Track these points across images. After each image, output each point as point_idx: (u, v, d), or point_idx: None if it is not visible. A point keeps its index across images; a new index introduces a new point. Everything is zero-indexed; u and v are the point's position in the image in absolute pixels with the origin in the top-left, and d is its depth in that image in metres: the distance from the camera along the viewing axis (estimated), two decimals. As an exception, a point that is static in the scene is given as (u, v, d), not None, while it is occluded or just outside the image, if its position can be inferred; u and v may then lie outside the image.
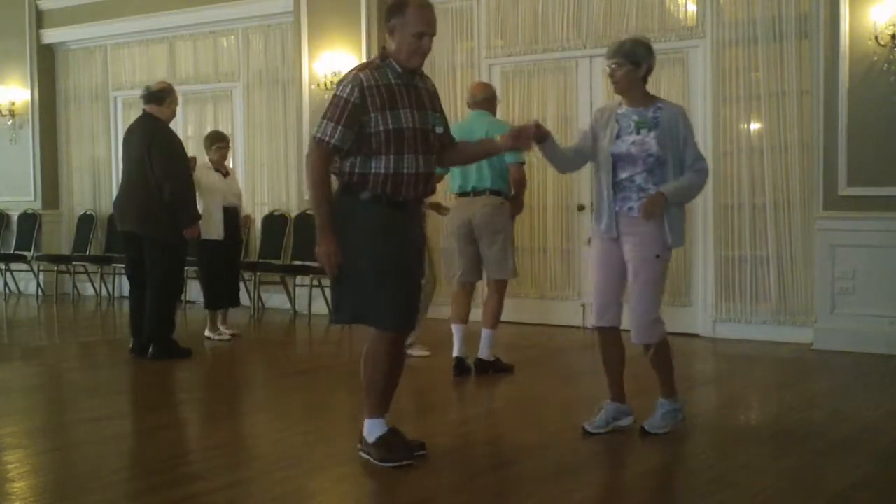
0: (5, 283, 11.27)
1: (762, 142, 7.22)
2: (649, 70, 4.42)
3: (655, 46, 7.83)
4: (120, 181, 7.19)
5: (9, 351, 7.82)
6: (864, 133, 6.61)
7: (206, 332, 7.70)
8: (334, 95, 3.93)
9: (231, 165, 9.82)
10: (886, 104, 6.55)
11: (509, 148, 4.38)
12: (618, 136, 4.38)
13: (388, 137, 3.87)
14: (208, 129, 9.63)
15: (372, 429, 4.05)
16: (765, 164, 7.19)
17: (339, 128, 3.86)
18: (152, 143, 6.64)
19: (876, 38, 6.52)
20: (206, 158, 7.85)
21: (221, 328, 7.83)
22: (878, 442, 4.45)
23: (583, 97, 8.01)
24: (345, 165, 3.95)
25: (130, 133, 6.94)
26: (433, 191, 4.13)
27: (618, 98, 4.51)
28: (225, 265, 7.80)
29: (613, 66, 4.37)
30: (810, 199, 7.00)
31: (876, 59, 6.56)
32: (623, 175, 4.37)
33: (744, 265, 7.30)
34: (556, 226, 8.16)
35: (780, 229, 7.13)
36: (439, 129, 4.08)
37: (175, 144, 6.84)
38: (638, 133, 4.35)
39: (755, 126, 7.29)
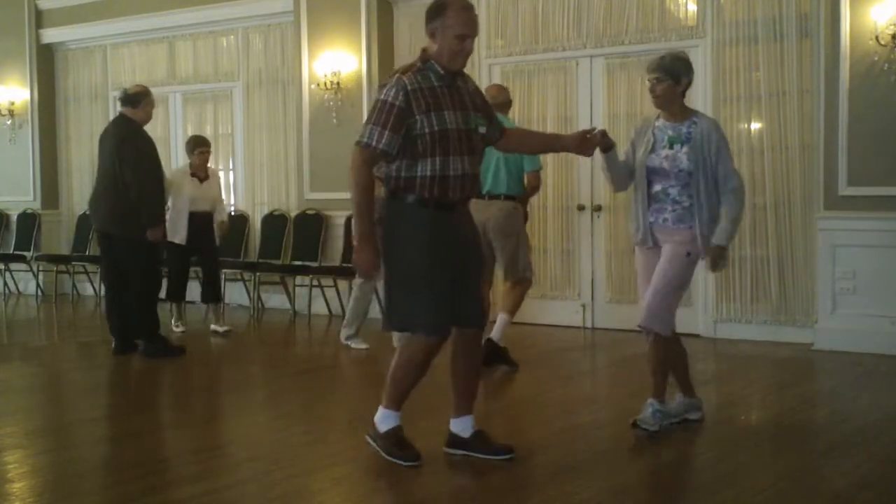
0: (5, 283, 11.25)
1: (762, 141, 7.21)
2: (688, 84, 4.49)
3: (655, 46, 7.89)
4: (94, 182, 7.22)
5: (9, 351, 7.82)
6: (865, 133, 6.60)
7: (212, 326, 7.94)
8: (377, 100, 3.92)
9: (231, 166, 9.87)
10: (887, 104, 6.54)
11: (573, 151, 4.44)
12: (652, 150, 4.45)
13: (433, 139, 3.86)
14: (208, 128, 9.65)
15: (385, 419, 4.07)
16: (765, 164, 7.18)
17: (387, 132, 3.84)
18: (123, 144, 6.69)
19: (876, 37, 6.51)
20: (188, 162, 7.90)
21: (215, 326, 7.96)
22: (878, 442, 4.45)
23: (583, 97, 8.00)
24: (390, 170, 3.94)
25: (104, 134, 7.02)
26: (478, 191, 4.13)
27: (657, 111, 4.58)
28: (198, 267, 8.02)
29: (654, 80, 4.44)
30: (811, 198, 6.99)
31: (876, 58, 6.55)
32: (657, 187, 4.45)
33: (744, 265, 7.29)
34: (556, 226, 8.15)
35: (781, 229, 7.13)
36: (482, 129, 4.08)
37: (145, 146, 6.85)
38: (671, 148, 4.41)
39: (755, 126, 7.28)
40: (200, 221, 7.80)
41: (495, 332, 6.13)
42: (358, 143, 3.91)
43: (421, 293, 3.90)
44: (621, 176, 4.60)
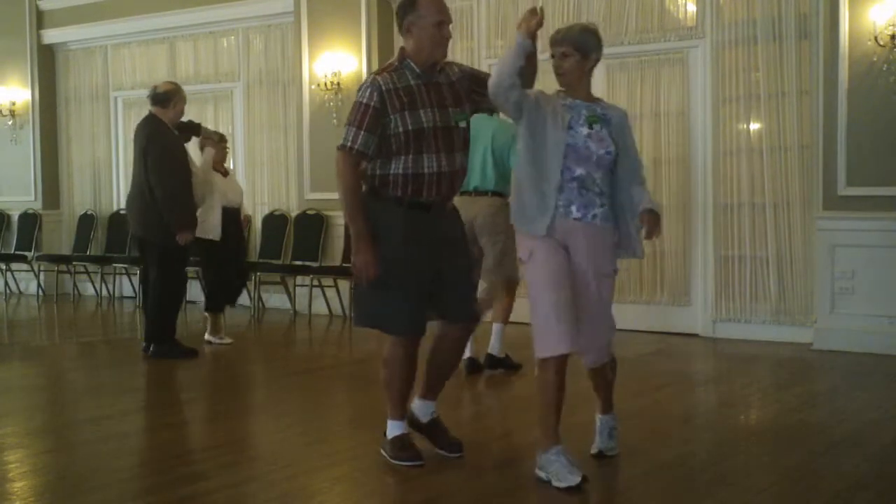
0: (6, 283, 11.27)
1: (762, 142, 7.22)
2: (596, 61, 3.90)
3: (655, 47, 7.88)
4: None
5: (9, 351, 7.82)
6: (864, 133, 6.61)
7: (206, 336, 7.48)
8: (355, 102, 3.95)
9: (231, 166, 9.86)
10: (886, 104, 6.55)
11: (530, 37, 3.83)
12: (570, 127, 3.81)
13: (407, 138, 3.88)
14: (208, 129, 9.63)
15: (392, 428, 4.12)
16: (764, 164, 7.19)
17: (362, 133, 3.87)
18: (147, 145, 6.64)
19: (875, 38, 6.52)
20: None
21: (209, 336, 7.59)
22: (878, 442, 4.46)
23: (583, 97, 7.99)
24: (368, 168, 3.97)
25: (135, 134, 6.94)
26: (458, 189, 4.13)
27: (558, 91, 3.95)
28: (224, 265, 7.71)
29: (559, 54, 3.85)
30: (810, 199, 7.00)
31: (875, 59, 6.56)
32: (580, 171, 3.79)
33: (743, 265, 7.30)
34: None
35: (780, 229, 7.13)
36: (462, 125, 4.06)
37: (170, 147, 6.76)
38: (591, 127, 3.83)
39: (755, 126, 7.29)
40: (232, 217, 7.55)
41: (493, 346, 6.11)
42: (338, 147, 3.96)
43: (391, 292, 3.91)
44: (516, 71, 3.71)
